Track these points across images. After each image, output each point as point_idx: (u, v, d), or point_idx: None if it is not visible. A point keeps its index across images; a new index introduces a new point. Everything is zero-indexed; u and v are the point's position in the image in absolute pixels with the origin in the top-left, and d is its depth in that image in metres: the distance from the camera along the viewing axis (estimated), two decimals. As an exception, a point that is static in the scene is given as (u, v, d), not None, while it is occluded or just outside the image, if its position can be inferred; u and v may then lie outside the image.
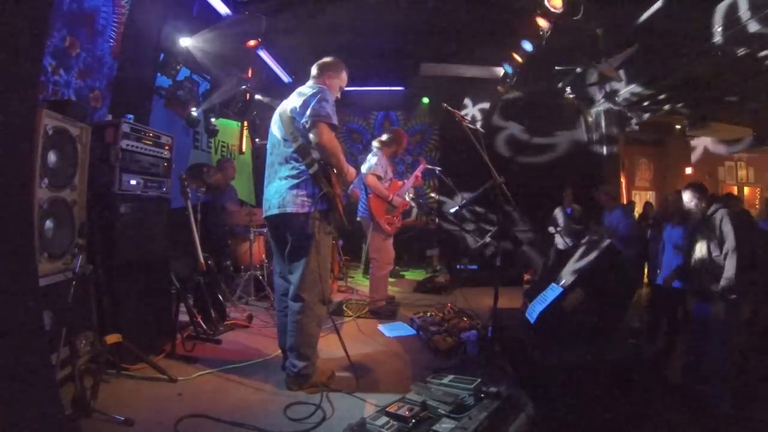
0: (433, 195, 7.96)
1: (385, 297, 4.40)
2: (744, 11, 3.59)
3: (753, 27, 3.66)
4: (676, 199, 3.63)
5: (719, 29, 3.83)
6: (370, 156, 4.31)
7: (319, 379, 2.48)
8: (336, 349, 2.73)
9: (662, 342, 3.54)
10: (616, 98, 6.50)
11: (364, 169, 4.22)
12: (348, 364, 2.60)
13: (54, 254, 2.23)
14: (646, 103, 6.59)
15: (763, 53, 3.96)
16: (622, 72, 5.75)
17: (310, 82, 2.67)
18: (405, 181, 4.53)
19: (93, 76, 3.28)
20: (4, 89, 1.41)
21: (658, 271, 3.65)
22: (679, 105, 6.22)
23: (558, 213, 5.77)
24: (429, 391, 2.09)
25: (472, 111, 7.94)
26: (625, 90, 6.14)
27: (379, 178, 4.14)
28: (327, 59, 2.75)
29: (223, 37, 4.48)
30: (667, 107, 6.43)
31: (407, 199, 4.68)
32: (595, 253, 2.76)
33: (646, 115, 6.99)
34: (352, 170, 2.63)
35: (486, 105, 7.75)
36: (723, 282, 2.64)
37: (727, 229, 2.71)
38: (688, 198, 3.03)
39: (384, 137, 4.38)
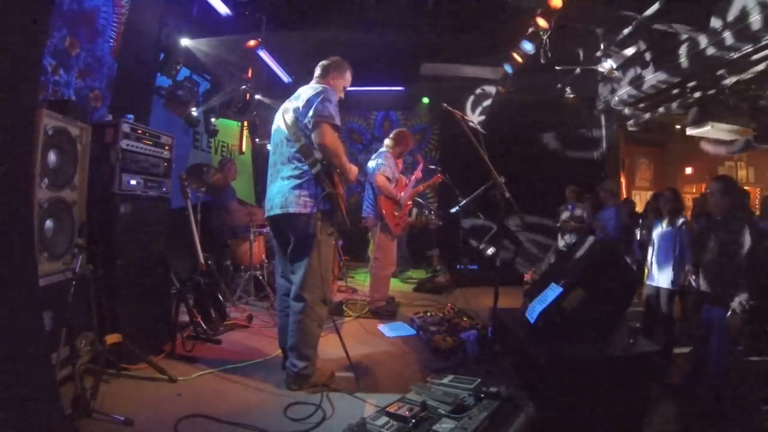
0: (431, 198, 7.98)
1: (386, 297, 4.41)
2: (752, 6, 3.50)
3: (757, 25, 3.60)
4: (670, 197, 3.60)
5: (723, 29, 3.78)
6: (376, 157, 4.33)
7: (319, 379, 2.48)
8: (336, 349, 2.73)
9: (660, 342, 3.53)
10: (617, 98, 6.50)
11: (371, 169, 4.25)
12: (348, 364, 2.60)
13: (54, 254, 2.23)
14: (646, 103, 6.59)
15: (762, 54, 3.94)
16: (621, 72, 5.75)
17: (313, 82, 2.67)
18: (408, 180, 4.57)
19: (93, 76, 3.29)
20: (4, 89, 1.41)
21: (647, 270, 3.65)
22: (679, 105, 6.21)
23: (563, 211, 5.77)
24: (429, 391, 2.09)
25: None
26: (626, 90, 6.14)
27: (387, 179, 4.16)
28: (331, 59, 2.73)
29: (223, 37, 4.48)
30: (668, 106, 6.43)
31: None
32: (592, 252, 2.76)
33: (646, 115, 6.99)
34: (354, 170, 2.62)
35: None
36: (736, 304, 2.56)
37: (747, 246, 2.58)
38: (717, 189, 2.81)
39: (392, 137, 4.43)
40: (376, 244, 4.29)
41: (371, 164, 4.29)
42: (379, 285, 4.29)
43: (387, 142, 4.42)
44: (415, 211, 7.42)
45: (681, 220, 3.47)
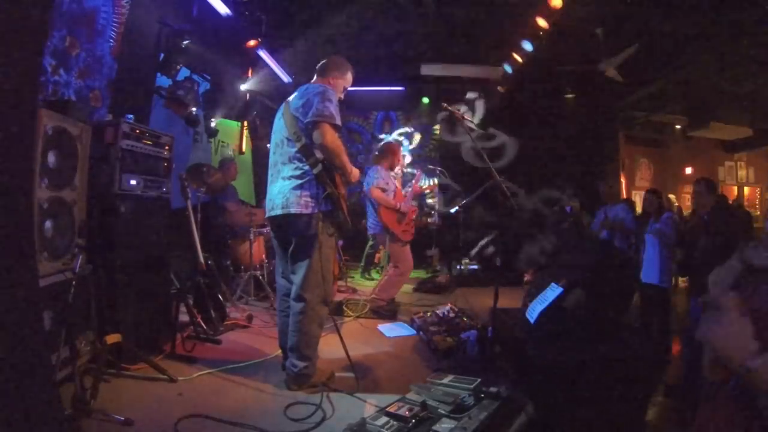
0: (431, 199, 7.96)
1: (389, 299, 4.40)
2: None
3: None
4: (652, 197, 3.68)
5: None
6: (369, 172, 4.35)
7: (319, 379, 2.48)
8: (336, 349, 2.73)
9: (658, 341, 3.54)
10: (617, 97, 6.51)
11: (366, 186, 4.25)
12: (348, 364, 2.60)
13: (54, 254, 2.22)
14: (646, 103, 6.60)
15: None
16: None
17: (314, 81, 2.66)
18: (406, 192, 4.58)
19: (93, 76, 3.28)
20: (4, 89, 1.41)
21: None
22: (679, 105, 6.23)
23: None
24: (429, 391, 2.09)
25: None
26: (625, 90, 6.15)
27: (383, 190, 4.16)
28: (333, 58, 2.72)
29: (223, 37, 4.47)
30: (666, 108, 6.45)
31: (413, 204, 4.73)
32: (593, 252, 2.76)
33: (645, 115, 7.01)
34: (355, 170, 2.61)
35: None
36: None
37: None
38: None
39: (376, 152, 4.52)
40: (392, 255, 4.29)
41: (365, 183, 4.31)
42: (390, 286, 4.29)
43: (373, 157, 4.56)
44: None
45: (665, 217, 3.50)
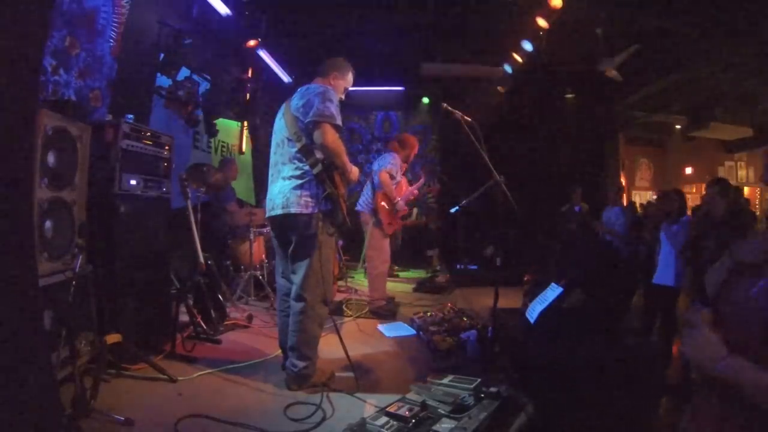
0: (431, 198, 7.97)
1: (385, 296, 4.41)
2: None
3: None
4: (673, 197, 3.65)
5: None
6: (384, 154, 4.38)
7: (319, 379, 2.48)
8: (336, 349, 2.73)
9: (660, 342, 3.54)
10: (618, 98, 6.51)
11: (376, 165, 4.27)
12: (348, 364, 2.60)
13: (54, 254, 2.22)
14: (646, 104, 6.60)
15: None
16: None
17: (315, 82, 2.67)
18: (407, 189, 4.59)
19: (93, 76, 3.28)
20: (4, 89, 1.41)
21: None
22: (679, 105, 6.23)
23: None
24: (429, 391, 2.09)
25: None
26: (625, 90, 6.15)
27: (391, 176, 4.17)
28: (334, 59, 2.73)
29: (224, 37, 4.47)
30: (666, 109, 6.45)
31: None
32: (593, 252, 2.77)
33: (645, 115, 7.01)
34: (355, 170, 2.62)
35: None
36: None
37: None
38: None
39: (399, 140, 4.51)
40: (369, 241, 4.29)
41: (376, 163, 4.34)
42: (376, 283, 4.30)
43: (391, 143, 4.51)
44: (415, 211, 7.41)
45: (684, 219, 3.48)
